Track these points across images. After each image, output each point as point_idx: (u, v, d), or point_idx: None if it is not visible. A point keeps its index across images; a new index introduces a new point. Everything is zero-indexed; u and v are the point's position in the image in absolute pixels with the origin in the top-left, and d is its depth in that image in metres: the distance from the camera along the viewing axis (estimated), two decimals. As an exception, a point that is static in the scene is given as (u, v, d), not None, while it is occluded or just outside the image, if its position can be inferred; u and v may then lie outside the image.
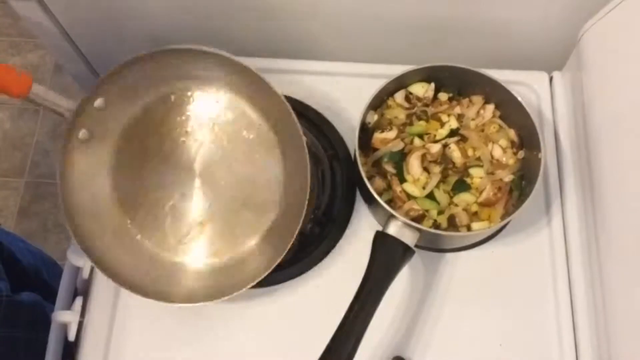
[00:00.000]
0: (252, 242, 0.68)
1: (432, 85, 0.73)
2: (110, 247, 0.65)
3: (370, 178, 0.69)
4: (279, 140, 0.69)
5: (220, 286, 0.66)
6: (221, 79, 0.69)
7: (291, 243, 0.62)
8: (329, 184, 0.74)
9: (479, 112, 0.73)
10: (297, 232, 0.62)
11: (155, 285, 0.65)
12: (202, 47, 0.66)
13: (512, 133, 0.72)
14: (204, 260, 0.68)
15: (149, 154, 0.69)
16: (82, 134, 0.65)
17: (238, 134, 0.70)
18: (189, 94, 0.70)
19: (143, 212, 0.68)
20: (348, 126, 0.76)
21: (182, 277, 0.67)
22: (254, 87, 0.68)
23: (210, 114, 0.70)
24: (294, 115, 0.65)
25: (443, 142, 0.71)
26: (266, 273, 0.62)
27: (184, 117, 0.70)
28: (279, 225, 0.68)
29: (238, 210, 0.69)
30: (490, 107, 0.73)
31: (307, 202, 0.62)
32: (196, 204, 0.69)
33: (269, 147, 0.69)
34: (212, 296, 0.63)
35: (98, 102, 0.65)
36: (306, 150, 0.64)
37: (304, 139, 0.64)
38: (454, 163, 0.71)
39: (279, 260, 0.62)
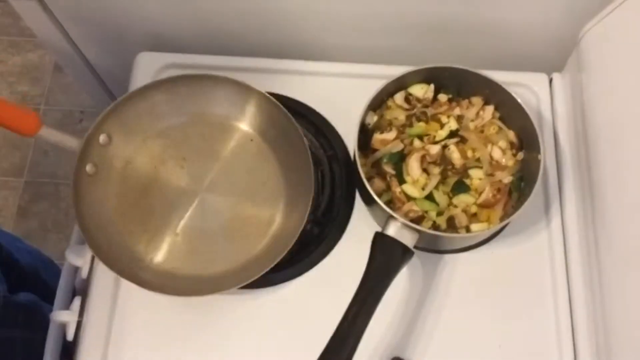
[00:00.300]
0: (259, 246, 0.71)
1: (432, 86, 0.73)
2: (127, 265, 0.68)
3: (369, 179, 0.69)
4: (276, 151, 0.74)
5: (223, 283, 0.68)
6: (219, 101, 0.74)
7: (294, 242, 0.65)
8: (329, 185, 0.74)
9: (479, 114, 0.73)
10: (300, 231, 0.65)
11: (163, 282, 0.68)
12: (202, 72, 0.72)
13: (511, 134, 0.72)
14: (212, 268, 0.70)
15: (151, 181, 0.73)
16: (89, 168, 0.69)
17: (235, 149, 0.74)
18: (189, 120, 0.75)
19: (151, 234, 0.71)
20: (347, 127, 0.76)
21: (185, 279, 0.69)
22: (253, 103, 0.73)
23: (207, 135, 0.75)
24: (299, 128, 0.69)
25: (442, 143, 0.71)
26: (266, 269, 0.64)
27: (183, 142, 0.75)
28: (282, 226, 0.71)
29: (242, 220, 0.72)
30: (490, 109, 0.73)
31: (310, 203, 0.66)
32: (202, 220, 0.72)
33: (266, 157, 0.74)
34: (211, 290, 0.65)
35: (102, 138, 0.70)
36: (310, 160, 0.68)
37: (308, 151, 0.68)
38: (453, 164, 0.71)
39: (278, 260, 0.64)
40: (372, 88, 0.70)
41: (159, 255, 0.70)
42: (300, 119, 0.76)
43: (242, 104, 0.74)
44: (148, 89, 0.72)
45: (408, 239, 0.63)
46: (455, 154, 0.70)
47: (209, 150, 0.74)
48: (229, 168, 0.74)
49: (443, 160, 0.71)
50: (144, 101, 0.72)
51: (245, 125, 0.75)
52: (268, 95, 0.71)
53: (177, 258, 0.70)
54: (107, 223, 0.70)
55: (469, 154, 0.71)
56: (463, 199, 0.69)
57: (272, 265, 0.64)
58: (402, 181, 0.69)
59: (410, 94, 0.74)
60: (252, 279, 0.64)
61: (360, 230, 0.72)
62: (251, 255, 0.70)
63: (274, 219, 0.72)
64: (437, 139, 0.72)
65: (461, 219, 0.68)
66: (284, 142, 0.72)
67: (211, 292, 0.65)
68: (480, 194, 0.69)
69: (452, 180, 0.70)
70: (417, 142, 0.71)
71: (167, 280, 0.69)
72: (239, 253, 0.70)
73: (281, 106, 0.70)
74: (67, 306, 0.70)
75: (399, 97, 0.73)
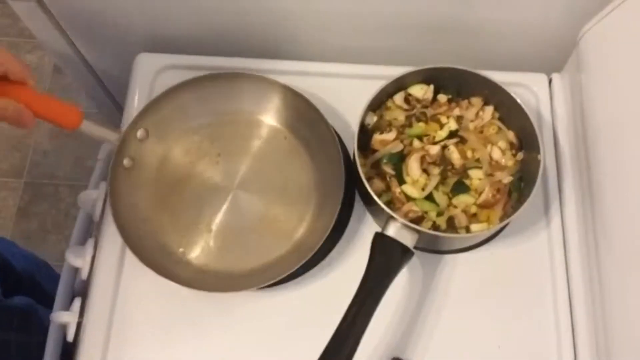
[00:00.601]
0: (288, 244, 0.71)
1: (432, 86, 0.73)
2: (159, 259, 0.69)
3: (369, 179, 0.69)
4: (307, 147, 0.75)
5: (251, 281, 0.69)
6: (254, 99, 0.75)
7: (323, 241, 0.66)
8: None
9: (478, 114, 0.73)
10: (330, 229, 0.66)
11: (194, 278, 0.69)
12: (235, 71, 0.74)
13: (511, 135, 0.72)
14: (241, 265, 0.70)
15: (186, 176, 0.74)
16: (126, 161, 0.71)
17: (268, 146, 0.76)
18: (222, 117, 0.76)
19: (185, 229, 0.72)
20: (347, 127, 0.76)
21: (215, 276, 0.70)
22: (286, 101, 0.74)
23: (240, 132, 0.76)
24: (327, 122, 0.71)
25: (442, 143, 0.71)
26: (295, 268, 0.65)
27: (218, 139, 0.76)
28: (312, 224, 0.72)
29: (273, 218, 0.72)
30: (490, 109, 0.73)
31: (340, 201, 0.67)
32: (234, 216, 0.73)
33: (298, 154, 0.75)
34: (239, 287, 0.68)
35: (140, 132, 0.72)
36: (340, 153, 0.69)
37: (338, 144, 0.69)
38: (453, 164, 0.71)
39: (308, 257, 0.66)
40: (372, 88, 0.70)
41: (192, 250, 0.71)
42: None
43: (273, 100, 0.75)
44: (186, 85, 0.73)
45: (408, 239, 0.63)
46: (454, 155, 0.70)
47: (242, 147, 0.76)
48: (261, 165, 0.75)
49: (443, 160, 0.71)
50: (178, 99, 0.74)
51: (276, 121, 0.76)
52: (294, 89, 0.72)
53: (209, 253, 0.71)
54: (141, 216, 0.71)
55: (469, 154, 0.71)
56: (463, 200, 0.69)
57: (301, 264, 0.65)
58: (401, 181, 0.69)
59: (409, 95, 0.74)
60: (281, 277, 0.65)
61: (360, 231, 0.72)
62: (280, 253, 0.71)
63: (304, 217, 0.72)
64: (437, 139, 0.72)
65: (461, 219, 0.68)
66: (313, 136, 0.74)
67: (239, 289, 0.67)
68: (479, 194, 0.69)
69: (451, 180, 0.70)
70: (416, 143, 0.71)
71: (198, 276, 0.69)
72: (268, 251, 0.71)
73: (309, 100, 0.71)
74: (67, 307, 0.70)
75: (398, 98, 0.73)
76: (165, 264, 0.68)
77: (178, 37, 0.85)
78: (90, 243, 0.72)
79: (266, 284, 0.66)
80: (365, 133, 0.72)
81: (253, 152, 0.75)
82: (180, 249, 0.71)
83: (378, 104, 0.73)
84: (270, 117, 0.76)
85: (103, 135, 0.68)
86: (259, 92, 0.75)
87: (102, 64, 0.96)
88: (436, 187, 0.69)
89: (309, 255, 0.65)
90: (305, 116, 0.73)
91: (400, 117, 0.73)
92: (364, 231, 0.72)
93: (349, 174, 0.74)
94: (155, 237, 0.71)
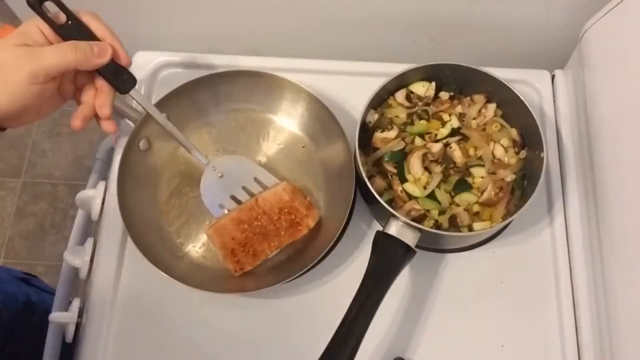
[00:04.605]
0: (290, 251, 0.71)
1: (433, 84, 0.73)
2: (156, 245, 0.69)
3: (370, 178, 0.69)
4: (323, 160, 0.74)
5: (249, 284, 0.68)
6: (278, 101, 0.75)
7: (326, 250, 0.65)
8: (330, 184, 0.74)
9: (481, 111, 0.73)
10: (335, 239, 0.66)
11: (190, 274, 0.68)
12: (260, 71, 0.73)
13: (514, 132, 0.71)
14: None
15: (199, 169, 0.72)
16: (142, 143, 0.71)
17: (284, 152, 0.75)
18: (245, 115, 0.76)
19: (185, 221, 0.72)
20: (348, 125, 0.76)
21: (208, 275, 0.70)
22: (311, 112, 0.74)
23: (261, 135, 0.76)
24: (339, 123, 0.70)
25: (444, 141, 0.70)
26: (295, 276, 0.65)
27: (236, 135, 0.75)
28: (317, 233, 0.71)
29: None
30: (492, 106, 0.73)
31: (348, 213, 0.66)
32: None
33: (311, 165, 0.74)
34: (236, 289, 0.67)
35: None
36: (353, 173, 0.68)
37: (353, 164, 0.68)
38: (455, 162, 0.70)
39: (308, 267, 0.65)
40: (373, 86, 0.69)
41: (191, 244, 0.71)
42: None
43: (297, 107, 0.75)
44: (204, 80, 0.72)
45: (410, 238, 0.62)
46: (457, 152, 0.70)
47: (258, 148, 0.75)
48: (274, 168, 0.74)
49: (445, 158, 0.70)
50: (196, 93, 0.73)
51: (298, 129, 0.75)
52: (322, 101, 0.71)
53: (209, 249, 0.70)
54: (146, 202, 0.71)
55: (471, 152, 0.70)
56: (465, 198, 0.68)
57: (301, 273, 0.64)
58: (403, 180, 0.69)
59: (411, 92, 0.73)
60: (282, 283, 0.64)
61: (361, 229, 0.72)
62: (280, 258, 0.70)
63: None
64: (439, 137, 0.71)
65: (463, 218, 0.68)
66: (329, 148, 0.73)
67: (239, 290, 0.66)
68: (482, 192, 0.68)
69: (454, 178, 0.69)
70: (418, 141, 0.71)
71: (194, 272, 0.69)
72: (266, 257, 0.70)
73: (334, 115, 0.70)
74: (66, 307, 0.69)
75: (400, 95, 0.73)
76: (165, 257, 0.68)
77: (176, 34, 0.85)
78: (89, 243, 0.71)
79: (264, 288, 0.65)
80: (366, 131, 0.71)
81: (268, 154, 0.75)
82: (179, 240, 0.71)
83: (379, 101, 0.72)
84: (293, 124, 0.76)
85: (129, 111, 0.68)
86: (286, 96, 0.74)
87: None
88: (438, 186, 0.69)
89: (308, 266, 0.65)
90: (326, 129, 0.72)
91: (402, 114, 0.72)
92: (365, 230, 0.72)
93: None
94: (158, 225, 0.71)
